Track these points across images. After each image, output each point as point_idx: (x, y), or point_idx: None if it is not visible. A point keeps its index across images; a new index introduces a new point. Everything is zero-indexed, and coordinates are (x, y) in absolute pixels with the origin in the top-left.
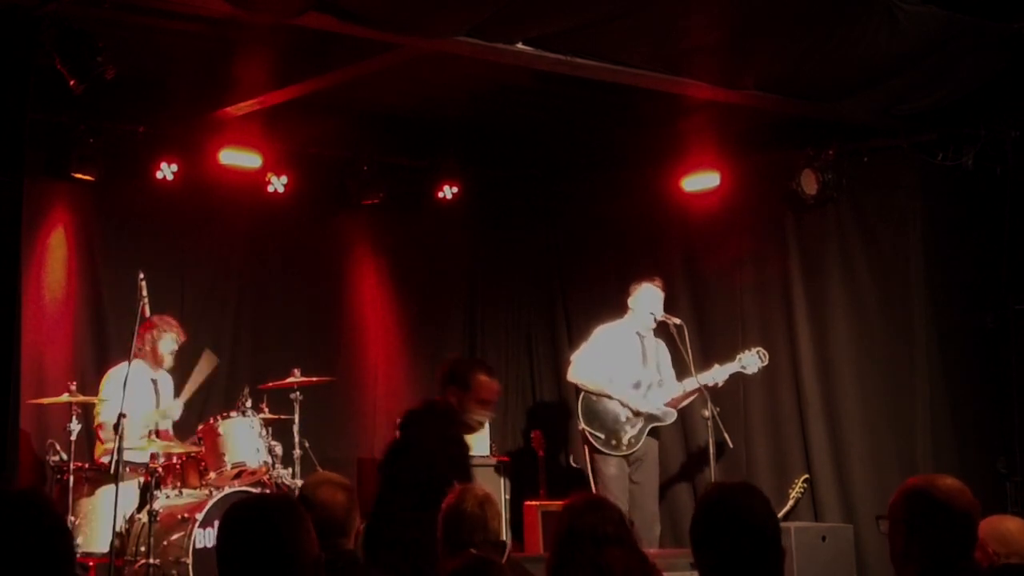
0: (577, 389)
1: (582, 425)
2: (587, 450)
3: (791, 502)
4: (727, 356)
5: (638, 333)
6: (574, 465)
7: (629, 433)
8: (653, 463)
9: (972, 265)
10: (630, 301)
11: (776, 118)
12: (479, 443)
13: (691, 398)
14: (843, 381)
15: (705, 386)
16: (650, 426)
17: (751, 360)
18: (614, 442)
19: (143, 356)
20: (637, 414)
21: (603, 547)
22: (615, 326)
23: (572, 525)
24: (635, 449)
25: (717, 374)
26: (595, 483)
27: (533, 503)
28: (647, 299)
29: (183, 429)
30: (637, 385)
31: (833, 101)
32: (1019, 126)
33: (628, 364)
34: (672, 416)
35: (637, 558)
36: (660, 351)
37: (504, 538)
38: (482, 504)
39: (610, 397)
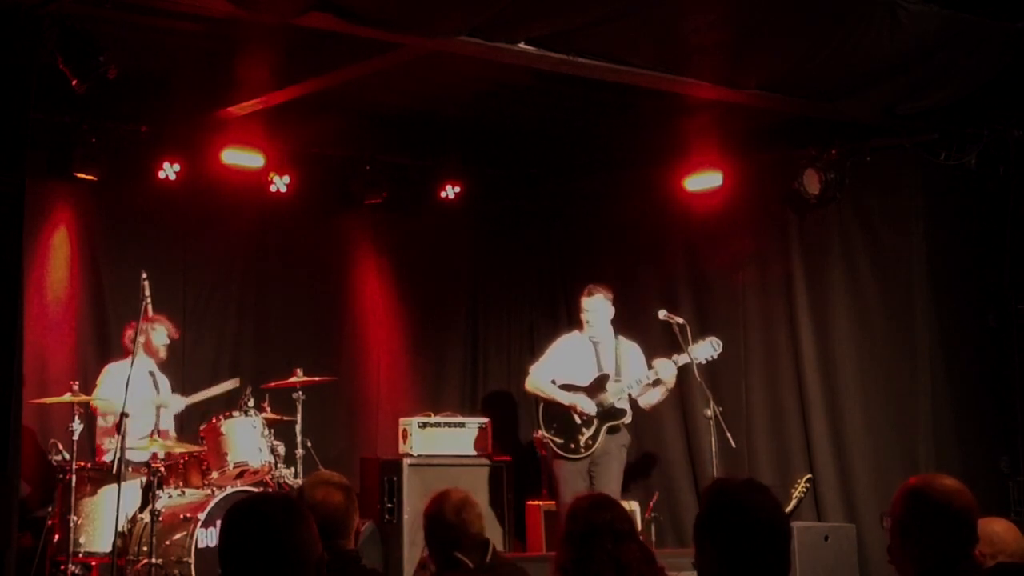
0: (536, 398)
1: (542, 432)
2: (546, 455)
3: (794, 501)
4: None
5: (591, 339)
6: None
7: (586, 435)
8: (616, 462)
9: (974, 264)
10: (582, 314)
11: (779, 118)
12: (481, 443)
13: (655, 393)
14: (845, 380)
15: (657, 380)
16: (606, 425)
17: (702, 350)
18: (573, 445)
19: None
20: (590, 415)
21: (621, 543)
22: (570, 336)
23: (590, 521)
24: (593, 450)
25: (664, 368)
26: (552, 488)
27: (535, 503)
28: (591, 310)
29: (186, 428)
30: (598, 383)
31: (835, 101)
32: (1022, 125)
33: (582, 369)
34: (626, 415)
35: (647, 555)
36: (621, 352)
37: (483, 536)
38: (459, 511)
39: (559, 401)
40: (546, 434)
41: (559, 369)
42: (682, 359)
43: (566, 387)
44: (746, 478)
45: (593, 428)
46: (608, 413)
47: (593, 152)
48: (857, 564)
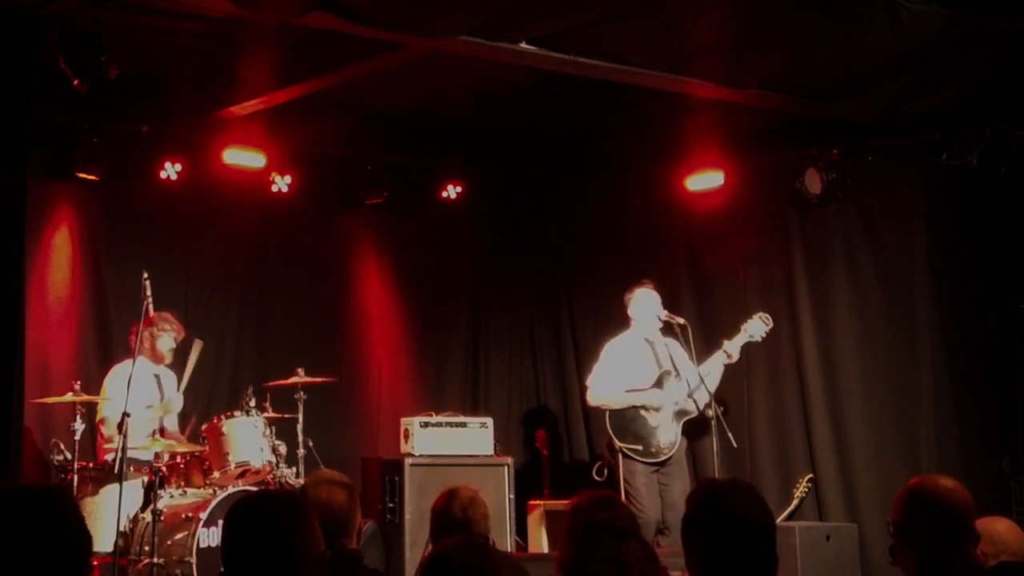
0: (601, 409)
1: (618, 444)
2: (620, 462)
3: (795, 501)
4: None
5: (646, 339)
6: (596, 478)
7: (666, 437)
8: (683, 464)
9: (976, 264)
10: (629, 311)
11: (780, 117)
12: (483, 443)
13: (698, 391)
14: (847, 380)
15: (724, 365)
16: (682, 422)
17: (756, 327)
18: (653, 449)
19: (143, 353)
20: (667, 416)
21: (620, 541)
22: (622, 338)
23: (589, 520)
24: (675, 449)
25: (728, 348)
26: (626, 497)
27: (537, 502)
28: (645, 303)
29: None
30: (658, 384)
31: (837, 100)
32: (1023, 125)
33: (643, 371)
34: (696, 411)
35: (649, 553)
36: (673, 350)
37: (489, 535)
38: (466, 509)
39: (634, 406)
40: (621, 443)
41: (622, 374)
42: (741, 339)
43: (631, 391)
44: (730, 478)
45: (671, 428)
46: (682, 410)
47: (594, 152)
48: (859, 564)
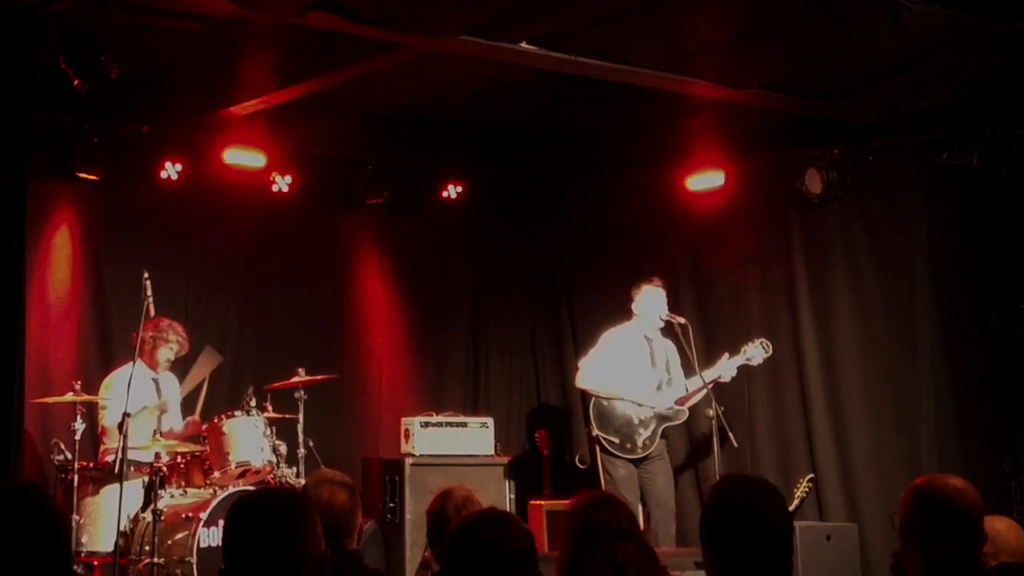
0: (586, 394)
1: (596, 431)
2: (598, 452)
3: (796, 501)
4: (732, 352)
5: (645, 336)
6: (579, 466)
7: (643, 435)
8: (666, 460)
9: (977, 264)
10: (634, 306)
11: (781, 117)
12: (483, 442)
13: (700, 394)
14: (848, 380)
15: (714, 381)
16: (663, 426)
17: (756, 351)
18: (629, 445)
19: (142, 356)
20: (649, 415)
21: (617, 542)
22: (622, 330)
23: (586, 520)
24: (650, 451)
25: (724, 368)
26: (605, 485)
27: (537, 502)
28: (650, 301)
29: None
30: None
31: (837, 100)
32: (1023, 125)
33: (637, 367)
34: (684, 415)
35: (648, 554)
36: (669, 352)
37: None
38: (460, 509)
39: (622, 399)
40: (600, 433)
41: (616, 365)
42: (739, 360)
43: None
44: (750, 477)
45: (652, 429)
46: (665, 415)
47: (594, 152)
48: (859, 564)
